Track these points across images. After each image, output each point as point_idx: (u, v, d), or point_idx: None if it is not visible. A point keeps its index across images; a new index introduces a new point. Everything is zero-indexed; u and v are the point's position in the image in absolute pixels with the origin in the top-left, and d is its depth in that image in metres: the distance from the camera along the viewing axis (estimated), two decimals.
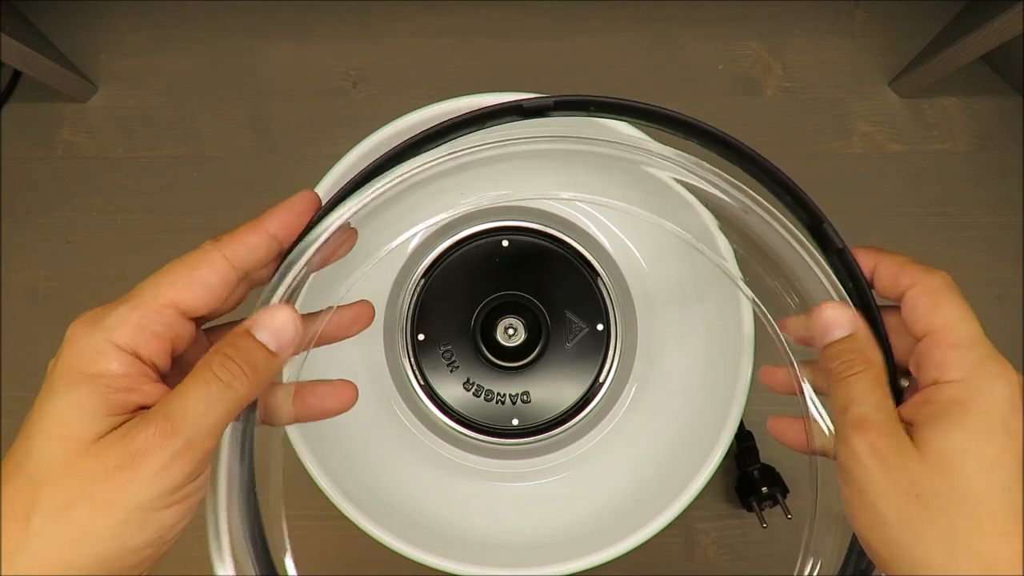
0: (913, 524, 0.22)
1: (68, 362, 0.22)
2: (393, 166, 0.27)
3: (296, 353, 0.27)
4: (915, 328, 0.25)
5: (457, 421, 0.45)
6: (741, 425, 0.50)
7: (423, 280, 0.46)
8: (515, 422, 0.45)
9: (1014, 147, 0.58)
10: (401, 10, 0.60)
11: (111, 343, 0.22)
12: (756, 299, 0.30)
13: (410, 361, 0.45)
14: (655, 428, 0.45)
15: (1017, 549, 0.21)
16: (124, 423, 0.22)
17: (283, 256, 0.26)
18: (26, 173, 0.58)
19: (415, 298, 0.46)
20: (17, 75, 0.59)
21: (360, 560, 0.51)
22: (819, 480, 0.27)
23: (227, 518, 0.23)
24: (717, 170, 0.28)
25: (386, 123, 0.41)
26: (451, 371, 0.45)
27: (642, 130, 0.37)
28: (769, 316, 0.29)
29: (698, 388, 0.45)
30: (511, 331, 0.46)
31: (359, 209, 0.27)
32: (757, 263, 0.29)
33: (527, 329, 0.46)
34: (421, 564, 0.39)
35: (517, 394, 0.45)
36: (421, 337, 0.45)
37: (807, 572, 0.27)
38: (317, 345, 0.29)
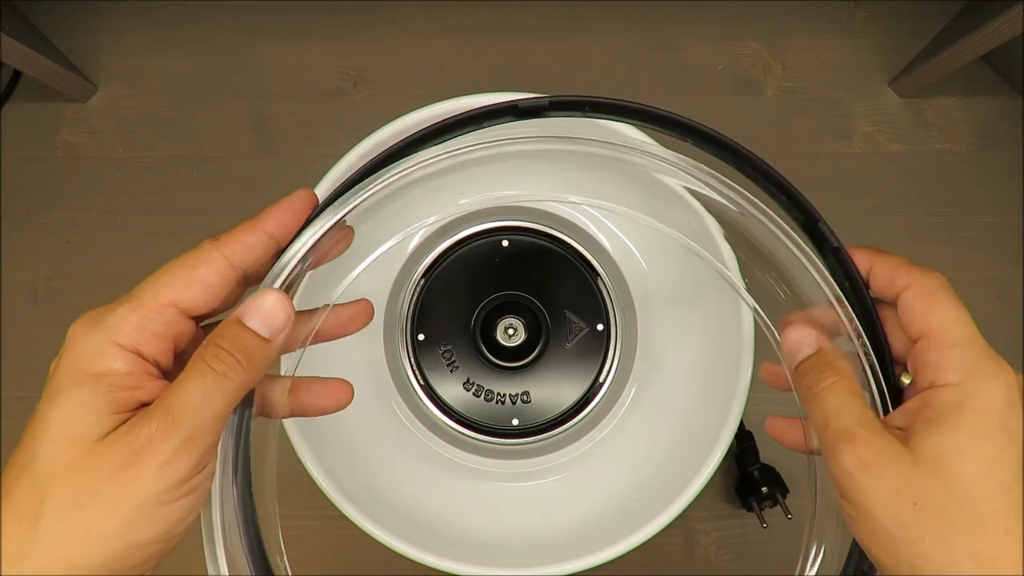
0: (912, 529, 0.22)
1: (70, 363, 0.22)
2: (389, 165, 0.27)
3: (292, 347, 0.27)
4: (911, 329, 0.25)
5: (457, 421, 0.45)
6: (741, 425, 0.50)
7: (423, 280, 0.46)
8: (515, 422, 0.45)
9: (1014, 147, 0.58)
10: (401, 10, 0.60)
11: (113, 343, 0.23)
12: (757, 307, 0.30)
13: (410, 361, 0.45)
14: (655, 428, 0.45)
15: (1019, 549, 0.21)
16: (127, 420, 0.22)
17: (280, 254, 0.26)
18: (26, 173, 0.58)
19: (415, 298, 0.46)
20: (17, 75, 0.59)
21: (360, 560, 0.51)
22: (818, 479, 0.27)
23: (220, 512, 0.24)
24: (715, 173, 0.28)
25: (386, 123, 0.41)
26: (451, 371, 0.45)
27: (644, 132, 0.37)
28: (768, 322, 0.29)
29: (698, 388, 0.45)
30: (511, 331, 0.46)
31: (356, 207, 0.27)
32: (756, 267, 0.29)
33: (527, 329, 0.46)
34: (421, 564, 0.39)
35: (517, 394, 0.45)
36: (421, 337, 0.45)
37: (808, 572, 0.27)
38: (315, 342, 0.29)
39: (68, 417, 0.22)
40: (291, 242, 0.26)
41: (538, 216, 0.47)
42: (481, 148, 0.27)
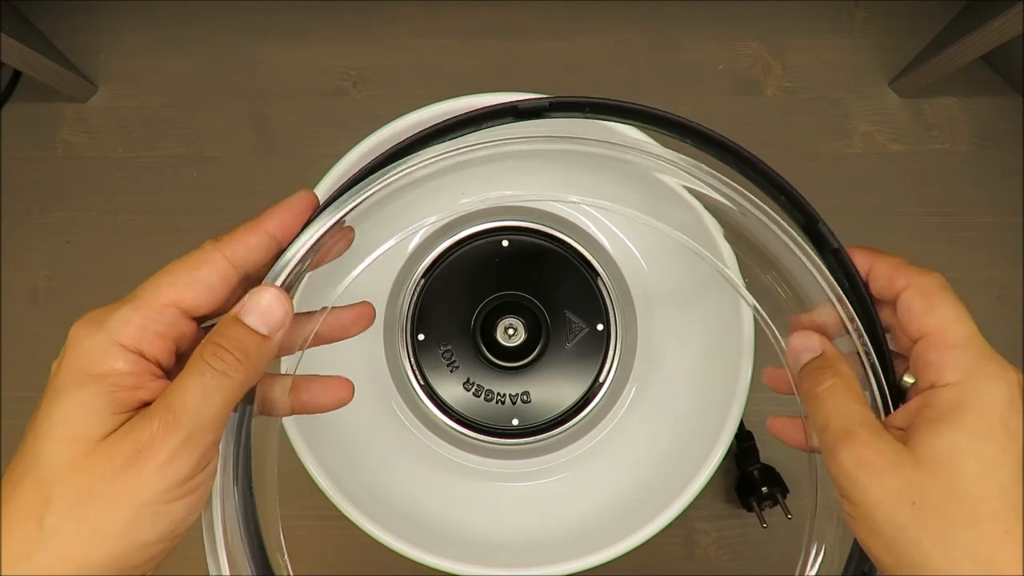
0: (912, 529, 0.22)
1: (72, 363, 0.23)
2: (389, 165, 0.27)
3: (291, 349, 0.28)
4: (910, 330, 0.25)
5: (457, 421, 0.45)
6: (741, 425, 0.50)
7: (423, 280, 0.46)
8: (515, 422, 0.45)
9: (1014, 147, 0.58)
10: (401, 10, 0.60)
11: (115, 343, 0.23)
12: (757, 305, 0.30)
13: (410, 361, 0.45)
14: (655, 428, 0.45)
15: (1019, 549, 0.21)
16: (129, 420, 0.22)
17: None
18: (26, 173, 0.58)
19: (415, 298, 0.46)
20: (17, 75, 0.59)
21: (360, 560, 0.51)
22: (819, 478, 0.27)
23: (221, 512, 0.24)
24: (715, 172, 0.28)
25: (386, 123, 0.41)
26: (451, 371, 0.45)
27: (644, 132, 0.37)
28: (769, 321, 0.29)
29: (698, 388, 0.45)
30: (511, 331, 0.46)
31: (356, 207, 0.27)
32: (757, 266, 0.29)
33: (527, 329, 0.46)
34: (421, 564, 0.39)
35: (517, 394, 0.45)
36: (421, 337, 0.45)
37: (808, 572, 0.27)
38: (317, 344, 0.29)
39: (70, 417, 0.22)
40: (292, 242, 0.26)
41: (538, 216, 0.47)
42: (481, 148, 0.27)
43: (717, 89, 0.59)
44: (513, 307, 0.46)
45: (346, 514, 0.39)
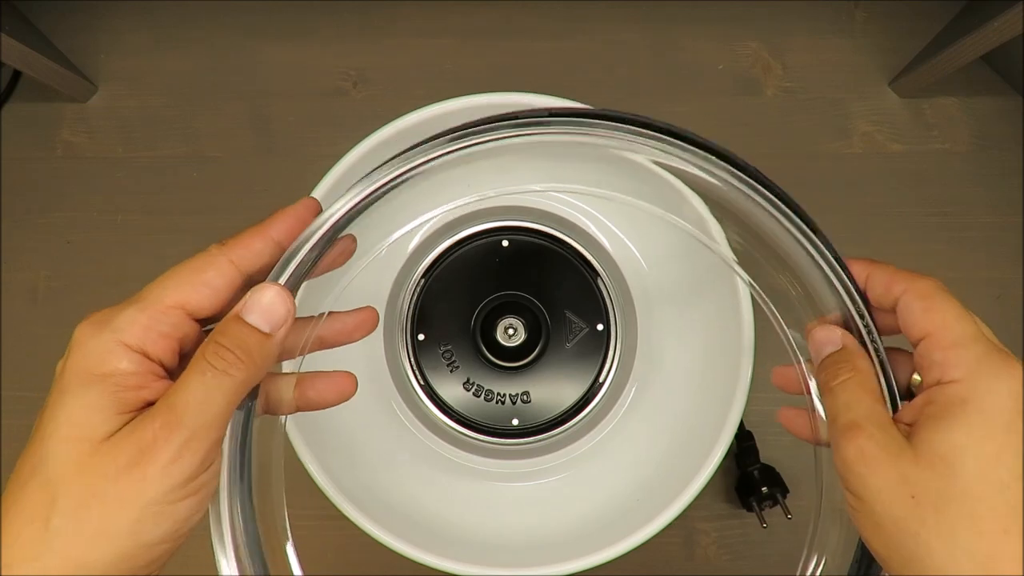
0: (911, 525, 0.22)
1: (77, 363, 0.23)
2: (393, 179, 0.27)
3: (292, 353, 0.28)
4: (912, 332, 0.25)
5: (457, 421, 0.45)
6: (741, 425, 0.50)
7: (423, 280, 0.46)
8: (515, 422, 0.45)
9: (1014, 147, 0.58)
10: (401, 10, 0.60)
11: (120, 343, 0.23)
12: (753, 283, 0.30)
13: (410, 361, 0.45)
14: (655, 428, 0.45)
15: (1018, 548, 0.21)
16: (133, 420, 0.22)
17: None
18: (26, 173, 0.58)
19: (415, 298, 0.46)
20: (17, 75, 0.59)
21: (360, 560, 0.51)
22: (824, 476, 0.27)
23: (228, 511, 0.24)
24: (724, 165, 0.28)
25: (386, 123, 0.41)
26: (451, 371, 0.45)
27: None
28: (771, 303, 0.29)
29: (698, 388, 0.45)
30: (511, 331, 0.46)
31: (353, 207, 0.27)
32: (770, 266, 0.29)
33: (527, 329, 0.46)
34: (421, 564, 0.39)
35: (517, 394, 0.45)
36: (421, 337, 0.45)
37: (811, 570, 0.27)
38: (320, 348, 0.29)
39: (75, 417, 0.22)
40: (296, 239, 0.26)
41: (538, 216, 0.47)
42: (485, 143, 0.28)
43: (717, 89, 0.59)
44: (513, 307, 0.46)
45: (346, 514, 0.39)
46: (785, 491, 0.48)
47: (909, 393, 0.26)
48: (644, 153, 0.28)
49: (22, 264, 0.57)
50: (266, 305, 0.24)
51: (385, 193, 0.27)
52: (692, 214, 0.40)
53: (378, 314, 0.30)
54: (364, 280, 0.30)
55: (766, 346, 0.41)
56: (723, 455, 0.39)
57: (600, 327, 0.45)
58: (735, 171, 0.28)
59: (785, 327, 0.29)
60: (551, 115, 0.28)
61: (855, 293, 0.27)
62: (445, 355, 0.45)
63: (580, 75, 0.59)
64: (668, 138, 0.28)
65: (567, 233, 0.46)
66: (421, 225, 0.31)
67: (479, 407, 0.45)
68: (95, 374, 0.22)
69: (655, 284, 0.46)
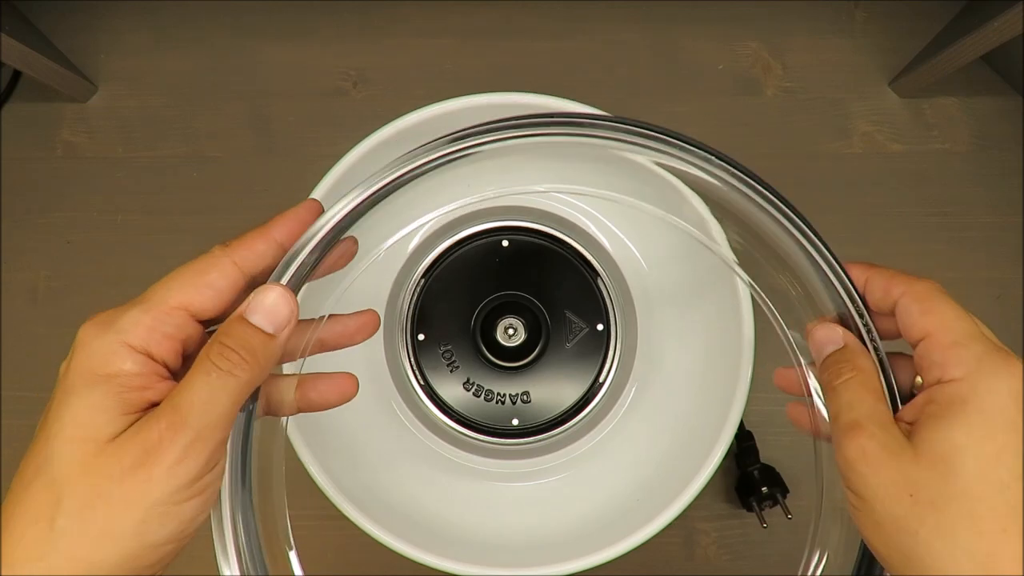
0: (910, 524, 0.22)
1: (81, 363, 0.23)
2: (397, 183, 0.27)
3: (293, 356, 0.28)
4: (911, 334, 0.25)
5: (457, 421, 0.45)
6: (741, 425, 0.50)
7: (423, 280, 0.46)
8: (515, 422, 0.45)
9: (1014, 147, 0.58)
10: (401, 10, 0.60)
11: (124, 344, 0.23)
12: (753, 283, 0.30)
13: (410, 361, 0.45)
14: (655, 428, 0.45)
15: (1018, 547, 0.21)
16: (137, 420, 0.22)
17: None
18: (26, 173, 0.58)
19: (415, 298, 0.46)
20: (17, 75, 0.59)
21: (360, 560, 0.51)
22: (824, 473, 0.27)
23: (231, 512, 0.24)
24: (724, 163, 0.28)
25: (386, 123, 0.41)
26: (451, 371, 0.45)
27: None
28: (770, 303, 0.29)
29: (698, 388, 0.45)
30: (511, 331, 0.46)
31: (354, 208, 0.27)
32: (763, 258, 0.29)
33: (527, 329, 0.46)
34: (421, 564, 0.39)
35: (517, 394, 0.45)
36: (421, 337, 0.45)
37: (812, 569, 0.27)
38: (321, 351, 0.29)
39: (80, 417, 0.22)
40: (298, 238, 0.27)
41: (538, 216, 0.47)
42: (486, 144, 0.28)
43: (717, 89, 0.59)
44: (513, 307, 0.46)
45: (346, 514, 0.39)
46: (785, 491, 0.48)
47: (911, 396, 0.26)
48: (645, 154, 0.28)
49: (22, 264, 0.57)
50: (269, 306, 0.24)
51: (386, 195, 0.27)
52: (692, 214, 0.40)
53: (379, 317, 0.30)
54: (364, 280, 0.30)
55: (766, 346, 0.41)
56: (723, 455, 0.39)
57: (600, 327, 0.45)
58: (734, 173, 0.28)
59: (785, 327, 0.29)
60: (552, 119, 0.28)
61: (854, 292, 0.27)
62: (445, 355, 0.45)
63: (580, 75, 0.59)
64: (668, 138, 0.28)
65: (567, 233, 0.46)
66: (421, 225, 0.31)
67: (479, 407, 0.45)
68: (99, 375, 0.22)
69: (655, 284, 0.46)
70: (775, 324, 0.29)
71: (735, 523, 0.52)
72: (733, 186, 0.28)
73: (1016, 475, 0.21)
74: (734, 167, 0.28)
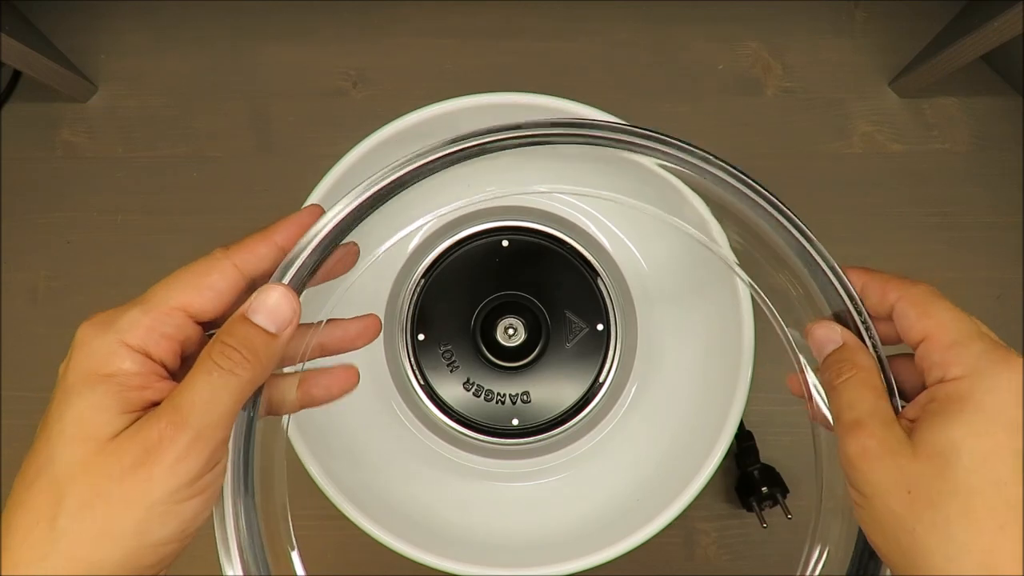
0: (908, 521, 0.22)
1: (80, 363, 0.23)
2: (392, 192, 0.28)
3: (293, 359, 0.28)
4: (910, 337, 0.25)
5: (457, 421, 0.45)
6: (741, 425, 0.50)
7: (423, 280, 0.46)
8: (515, 422, 0.45)
9: (1014, 147, 0.58)
10: (401, 10, 0.60)
11: (123, 344, 0.23)
12: (753, 283, 0.30)
13: (410, 361, 0.45)
14: (655, 428, 0.45)
15: (1017, 545, 0.21)
16: (138, 420, 0.22)
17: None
18: (26, 173, 0.58)
19: (415, 298, 0.46)
20: (17, 75, 0.59)
21: (360, 560, 0.51)
22: (823, 467, 0.27)
23: (233, 512, 0.24)
24: (727, 167, 0.28)
25: (386, 123, 0.41)
26: (451, 371, 0.45)
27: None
28: (770, 303, 0.29)
29: (698, 388, 0.45)
30: (511, 331, 0.46)
31: (354, 209, 0.27)
32: (763, 258, 0.29)
33: (527, 329, 0.46)
34: (421, 564, 0.39)
35: (517, 394, 0.45)
36: (421, 337, 0.45)
37: (813, 563, 0.27)
38: (322, 355, 0.29)
39: (80, 417, 0.22)
40: (301, 237, 0.27)
41: (538, 216, 0.47)
42: (487, 145, 0.28)
43: (717, 89, 0.59)
44: (513, 307, 0.46)
45: (346, 514, 0.39)
46: (785, 491, 0.48)
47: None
48: (645, 157, 0.28)
49: (22, 264, 0.57)
50: (272, 305, 0.24)
51: (387, 196, 0.27)
52: (693, 215, 0.40)
53: (381, 322, 0.30)
54: (364, 280, 0.30)
55: (766, 346, 0.41)
56: (723, 455, 0.39)
57: (600, 327, 0.45)
58: (733, 174, 0.28)
59: (785, 327, 0.29)
60: (553, 126, 0.28)
61: (852, 291, 0.27)
62: (445, 355, 0.45)
63: (580, 75, 0.59)
64: (667, 142, 0.28)
65: (567, 233, 0.46)
66: (421, 226, 0.31)
67: (479, 407, 0.45)
68: (99, 374, 0.22)
69: (655, 284, 0.46)
70: (775, 324, 0.29)
71: (735, 523, 0.52)
72: (731, 187, 0.28)
73: (1015, 472, 0.21)
74: (731, 169, 0.28)
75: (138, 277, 0.25)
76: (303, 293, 0.26)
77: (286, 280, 0.25)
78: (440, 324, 0.45)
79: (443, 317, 0.46)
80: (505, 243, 0.46)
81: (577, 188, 0.32)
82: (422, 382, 0.45)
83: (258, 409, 0.25)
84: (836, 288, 0.27)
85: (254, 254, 0.25)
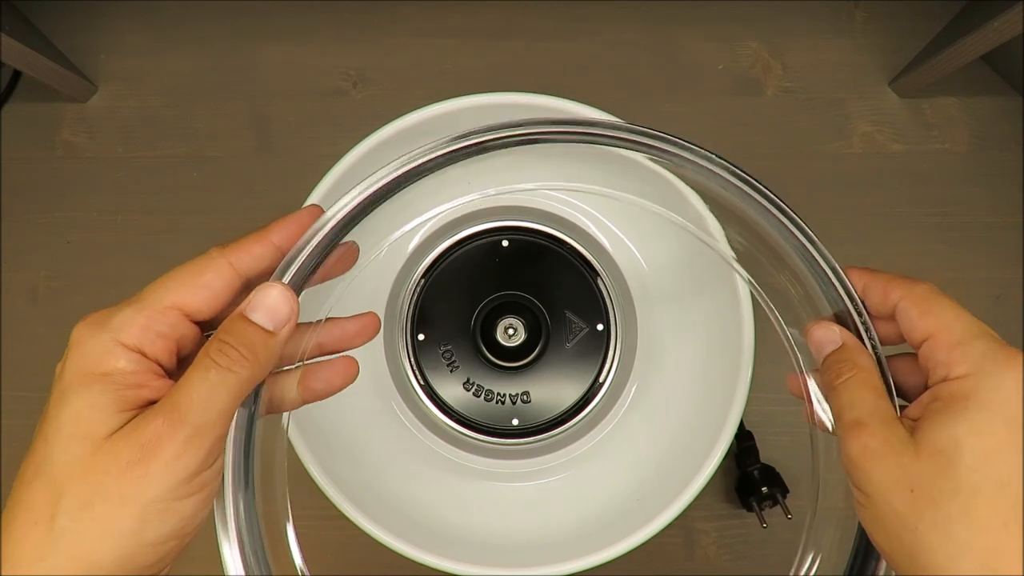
0: (910, 520, 0.22)
1: (76, 363, 0.23)
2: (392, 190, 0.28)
3: (292, 359, 0.28)
4: (913, 336, 0.25)
5: (457, 421, 0.45)
6: (741, 425, 0.50)
7: (423, 280, 0.46)
8: (515, 422, 0.45)
9: (1014, 147, 0.58)
10: (401, 10, 0.60)
11: (118, 343, 0.23)
12: (754, 282, 0.30)
13: (410, 361, 0.45)
14: (655, 428, 0.45)
15: (1018, 543, 0.21)
16: (134, 418, 0.22)
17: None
18: (26, 173, 0.58)
19: (415, 298, 0.46)
20: (17, 75, 0.59)
21: (360, 560, 0.51)
22: (820, 473, 0.27)
23: (233, 510, 0.24)
24: (723, 161, 0.28)
25: (386, 123, 0.41)
26: (451, 371, 0.45)
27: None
28: (771, 303, 0.29)
29: (698, 388, 0.45)
30: (511, 331, 0.46)
31: (354, 209, 0.27)
32: (763, 257, 0.29)
33: (527, 329, 0.46)
34: (421, 564, 0.39)
35: (517, 394, 0.45)
36: (421, 337, 0.45)
37: (805, 569, 0.27)
38: (321, 355, 0.29)
39: (77, 416, 0.22)
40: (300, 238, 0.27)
41: (538, 216, 0.47)
42: (486, 146, 0.28)
43: (717, 89, 0.59)
44: (513, 307, 0.46)
45: (346, 514, 0.39)
46: (785, 491, 0.48)
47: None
48: (644, 156, 0.28)
49: (22, 264, 0.57)
50: (270, 304, 0.24)
51: (387, 195, 0.27)
52: (692, 213, 0.40)
53: (379, 320, 0.30)
54: (364, 280, 0.30)
55: (766, 346, 0.41)
56: (723, 455, 0.39)
57: (600, 327, 0.45)
58: (734, 172, 0.28)
59: (785, 327, 0.29)
60: (553, 124, 0.28)
61: (852, 290, 0.27)
62: (445, 355, 0.45)
63: (580, 75, 0.59)
64: (668, 140, 0.28)
65: (567, 233, 0.46)
66: (421, 225, 0.31)
67: (479, 407, 0.45)
68: (95, 373, 0.22)
69: (655, 284, 0.46)
70: (775, 323, 0.29)
71: (735, 523, 0.52)
72: (732, 185, 0.28)
73: (1017, 470, 0.21)
74: (732, 168, 0.28)
75: (138, 277, 0.24)
76: (302, 292, 0.26)
77: (285, 279, 0.25)
78: (440, 324, 0.45)
79: (443, 317, 0.46)
80: (505, 243, 0.46)
81: (575, 185, 0.32)
82: (422, 382, 0.45)
83: (258, 407, 0.25)
84: (836, 288, 0.27)
85: (250, 253, 0.25)
